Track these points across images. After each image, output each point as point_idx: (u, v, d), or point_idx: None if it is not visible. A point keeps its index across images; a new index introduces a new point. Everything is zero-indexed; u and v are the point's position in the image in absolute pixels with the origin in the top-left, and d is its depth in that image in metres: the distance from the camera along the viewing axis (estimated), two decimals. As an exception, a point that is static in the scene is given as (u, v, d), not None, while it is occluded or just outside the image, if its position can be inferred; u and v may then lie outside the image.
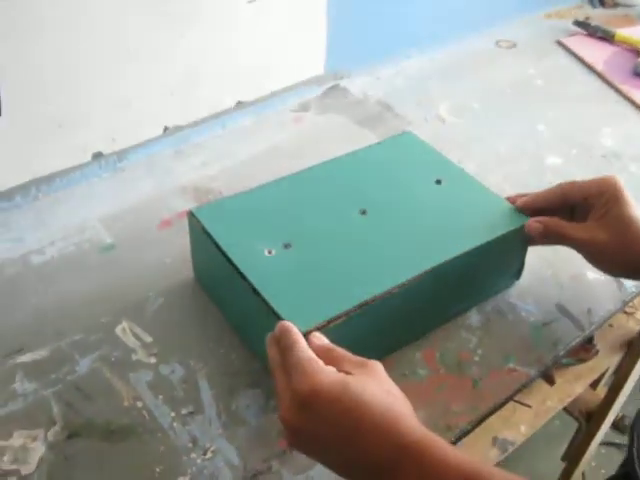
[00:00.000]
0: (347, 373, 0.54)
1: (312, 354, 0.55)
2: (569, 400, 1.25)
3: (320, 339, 0.60)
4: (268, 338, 0.59)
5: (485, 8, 1.31)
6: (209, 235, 0.72)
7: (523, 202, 0.75)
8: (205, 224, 0.73)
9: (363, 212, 0.75)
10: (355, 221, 0.74)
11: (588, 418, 1.42)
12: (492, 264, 0.76)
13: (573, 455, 1.54)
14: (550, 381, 1.23)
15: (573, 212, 0.74)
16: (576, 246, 0.72)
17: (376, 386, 0.53)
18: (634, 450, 0.77)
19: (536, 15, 1.42)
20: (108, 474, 0.62)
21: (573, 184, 0.73)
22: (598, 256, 0.72)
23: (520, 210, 0.75)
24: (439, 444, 0.50)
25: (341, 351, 0.58)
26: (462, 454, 0.50)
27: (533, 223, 0.73)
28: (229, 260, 0.69)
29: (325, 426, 0.52)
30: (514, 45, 1.31)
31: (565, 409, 1.35)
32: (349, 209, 0.75)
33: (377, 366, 0.56)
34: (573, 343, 0.75)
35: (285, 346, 0.56)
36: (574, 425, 1.52)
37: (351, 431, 0.51)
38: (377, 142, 0.88)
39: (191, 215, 0.74)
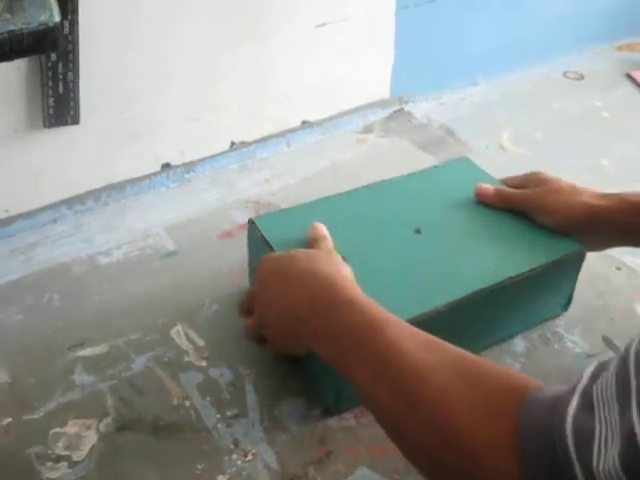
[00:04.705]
0: None
1: None
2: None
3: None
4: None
5: (555, 38, 1.32)
6: (267, 243, 0.75)
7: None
8: (264, 232, 0.76)
9: (418, 231, 0.77)
10: (409, 239, 0.76)
11: None
12: (541, 290, 0.76)
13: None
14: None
15: None
16: (519, 202, 0.79)
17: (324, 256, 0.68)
18: None
19: (607, 47, 1.41)
20: (153, 467, 0.65)
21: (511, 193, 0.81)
22: (537, 205, 0.78)
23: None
24: (363, 297, 0.61)
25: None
26: (377, 306, 0.60)
27: (484, 185, 0.82)
28: None
29: (272, 276, 0.67)
30: (582, 77, 1.32)
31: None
32: (404, 227, 0.78)
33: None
34: (617, 376, 0.75)
35: None
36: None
37: (293, 276, 0.65)
38: (434, 165, 0.90)
39: (251, 223, 0.78)
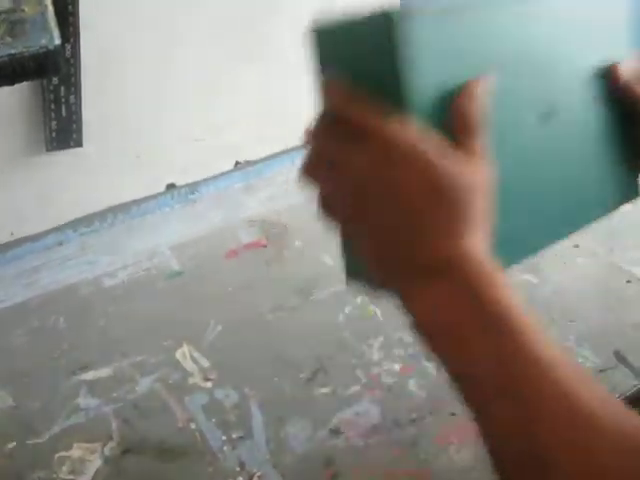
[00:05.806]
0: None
1: None
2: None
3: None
4: None
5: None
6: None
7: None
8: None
9: (545, 116, 0.50)
10: (532, 129, 0.49)
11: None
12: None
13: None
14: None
15: None
16: None
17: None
18: None
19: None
20: (158, 491, 0.65)
21: None
22: None
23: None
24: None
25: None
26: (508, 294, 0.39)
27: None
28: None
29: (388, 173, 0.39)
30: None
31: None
32: (531, 107, 0.49)
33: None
34: (629, 392, 0.74)
35: None
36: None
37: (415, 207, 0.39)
38: None
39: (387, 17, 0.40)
